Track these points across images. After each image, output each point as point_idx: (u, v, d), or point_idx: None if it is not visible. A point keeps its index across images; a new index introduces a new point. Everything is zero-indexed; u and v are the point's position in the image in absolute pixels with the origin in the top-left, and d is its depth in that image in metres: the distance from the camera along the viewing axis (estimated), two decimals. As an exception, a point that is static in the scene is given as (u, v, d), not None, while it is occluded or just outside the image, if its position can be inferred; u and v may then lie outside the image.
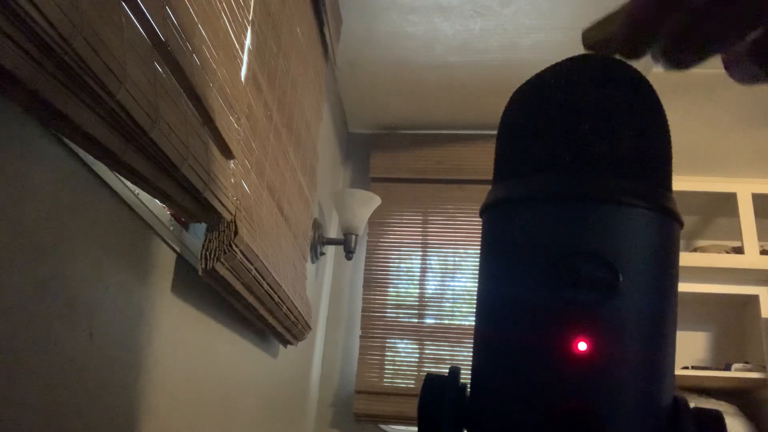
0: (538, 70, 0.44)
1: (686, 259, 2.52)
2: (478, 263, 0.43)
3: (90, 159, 0.75)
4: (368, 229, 2.62)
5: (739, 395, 2.56)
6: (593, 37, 0.40)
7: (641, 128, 0.39)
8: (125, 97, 0.67)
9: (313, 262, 2.20)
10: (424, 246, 2.61)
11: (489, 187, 0.44)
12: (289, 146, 1.58)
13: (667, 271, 0.39)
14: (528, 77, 0.44)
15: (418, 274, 2.58)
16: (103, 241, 0.80)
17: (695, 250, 2.73)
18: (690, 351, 2.70)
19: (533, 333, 0.37)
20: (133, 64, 0.69)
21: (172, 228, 0.99)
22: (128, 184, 0.84)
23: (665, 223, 0.39)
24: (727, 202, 2.68)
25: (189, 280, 1.07)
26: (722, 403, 2.48)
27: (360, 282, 2.59)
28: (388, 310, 2.53)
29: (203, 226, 1.05)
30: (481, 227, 0.44)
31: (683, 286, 2.53)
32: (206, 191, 0.93)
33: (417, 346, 2.48)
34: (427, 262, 2.59)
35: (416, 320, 2.51)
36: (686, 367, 2.52)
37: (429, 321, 2.51)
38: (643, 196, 0.38)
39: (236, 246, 1.04)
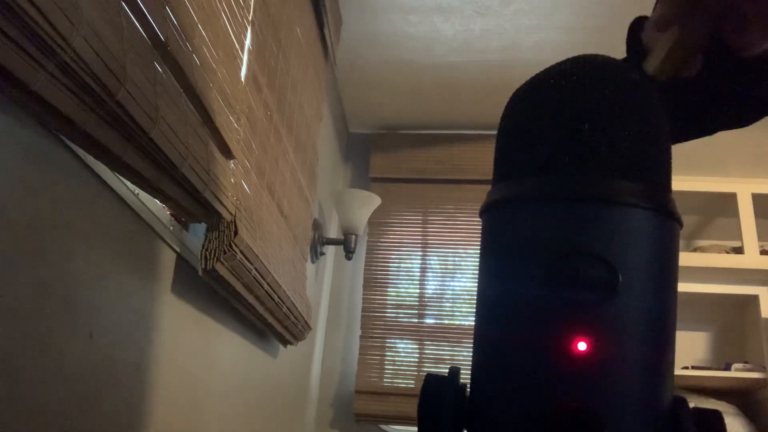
0: (538, 70, 0.44)
1: (686, 259, 2.52)
2: (478, 263, 0.43)
3: (90, 159, 0.75)
4: (368, 229, 2.62)
5: (739, 395, 2.56)
6: (666, 71, 0.43)
7: (641, 129, 0.39)
8: (125, 97, 0.67)
9: (313, 262, 2.20)
10: (424, 246, 2.61)
11: (489, 187, 0.44)
12: (289, 146, 1.58)
13: (666, 271, 0.38)
14: (528, 77, 0.44)
15: (418, 274, 2.58)
16: (103, 241, 0.80)
17: (695, 250, 2.73)
18: (690, 351, 2.70)
19: (533, 333, 0.37)
20: (133, 64, 0.69)
21: (172, 228, 0.99)
22: (128, 184, 0.84)
23: (665, 223, 0.39)
24: (727, 202, 2.68)
25: (189, 280, 1.07)
26: (722, 403, 2.47)
27: (360, 282, 2.59)
28: (388, 310, 2.53)
29: (203, 226, 1.05)
30: (481, 227, 0.44)
31: (683, 286, 2.52)
32: (206, 191, 0.93)
33: (417, 346, 2.48)
34: (427, 262, 2.59)
35: (416, 320, 2.50)
36: (686, 367, 2.52)
37: (429, 321, 2.51)
38: (643, 196, 0.38)
39: (236, 246, 1.04)
